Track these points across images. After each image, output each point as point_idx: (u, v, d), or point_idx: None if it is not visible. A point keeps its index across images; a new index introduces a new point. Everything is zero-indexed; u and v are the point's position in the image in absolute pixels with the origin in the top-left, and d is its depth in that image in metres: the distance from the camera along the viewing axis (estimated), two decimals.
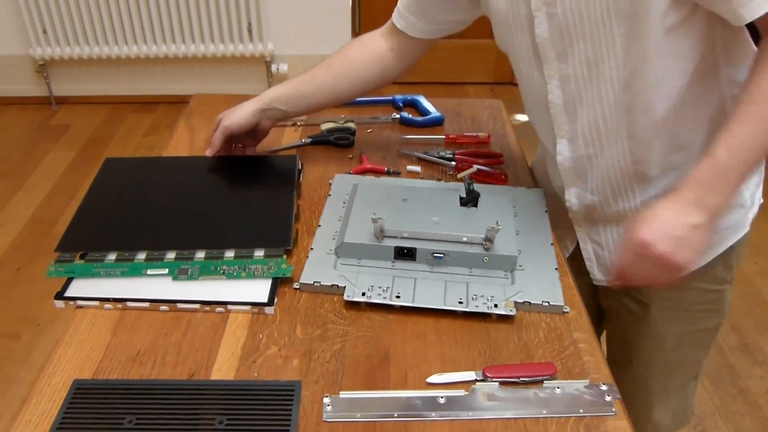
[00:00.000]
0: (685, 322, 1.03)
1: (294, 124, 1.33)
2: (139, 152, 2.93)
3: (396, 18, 1.10)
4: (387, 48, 1.12)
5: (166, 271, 0.92)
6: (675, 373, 1.08)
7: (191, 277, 0.90)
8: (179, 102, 3.14)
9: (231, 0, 3.01)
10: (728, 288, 1.02)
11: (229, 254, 0.94)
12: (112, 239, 0.97)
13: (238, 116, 1.11)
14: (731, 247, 0.98)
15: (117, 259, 0.93)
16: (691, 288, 0.99)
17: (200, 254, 0.94)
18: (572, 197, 1.03)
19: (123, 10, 3.01)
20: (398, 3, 1.09)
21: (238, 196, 1.09)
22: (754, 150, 0.77)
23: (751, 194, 0.97)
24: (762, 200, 1.01)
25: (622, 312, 1.06)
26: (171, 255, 0.94)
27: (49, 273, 0.92)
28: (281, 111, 1.13)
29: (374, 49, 1.13)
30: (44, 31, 3.06)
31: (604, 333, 1.18)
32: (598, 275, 1.04)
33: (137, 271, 0.92)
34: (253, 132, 1.15)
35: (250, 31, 3.10)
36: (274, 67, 3.19)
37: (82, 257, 0.94)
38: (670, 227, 0.78)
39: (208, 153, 1.11)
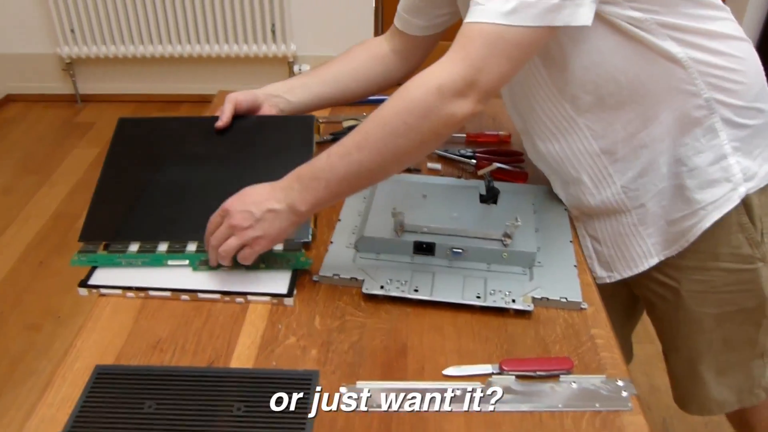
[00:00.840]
0: (719, 304, 1.00)
1: (315, 121, 1.34)
2: None
3: (396, 20, 1.15)
4: (389, 49, 1.16)
5: (187, 262, 0.93)
6: (725, 352, 1.05)
7: (210, 268, 0.92)
8: (202, 101, 3.17)
9: (255, 1, 3.03)
10: (762, 267, 0.98)
11: None
12: (133, 229, 0.97)
13: (245, 92, 1.11)
14: (751, 221, 0.95)
15: (139, 250, 0.94)
16: (718, 269, 0.97)
17: None
18: (558, 190, 1.05)
19: (149, 11, 3.05)
20: (398, 6, 1.13)
21: (257, 172, 1.00)
22: (349, 169, 0.81)
23: (746, 168, 0.93)
24: None
25: (656, 301, 1.05)
26: (192, 247, 0.95)
27: (72, 262, 0.93)
28: (285, 100, 1.13)
29: (377, 50, 1.16)
30: (72, 31, 3.11)
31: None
32: (599, 272, 1.04)
33: (158, 262, 0.93)
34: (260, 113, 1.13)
35: (273, 32, 3.12)
36: (296, 68, 3.21)
37: (105, 247, 0.95)
38: (250, 204, 0.84)
39: (220, 123, 1.08)
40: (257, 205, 0.84)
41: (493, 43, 0.76)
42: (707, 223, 0.94)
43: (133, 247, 0.95)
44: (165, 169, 1.05)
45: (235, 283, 0.90)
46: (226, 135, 1.08)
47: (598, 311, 0.88)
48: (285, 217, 0.84)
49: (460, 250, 0.93)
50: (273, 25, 3.10)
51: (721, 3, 0.89)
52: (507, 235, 0.92)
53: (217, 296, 0.88)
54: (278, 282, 0.90)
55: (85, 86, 3.34)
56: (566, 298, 0.88)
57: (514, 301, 0.86)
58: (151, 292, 0.89)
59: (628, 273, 1.01)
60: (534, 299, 0.87)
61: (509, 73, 0.79)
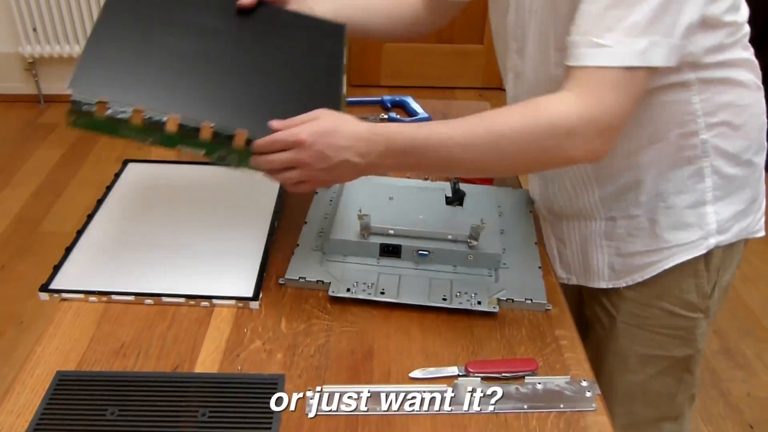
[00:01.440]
0: (649, 344, 0.99)
1: None
2: (128, 151, 2.91)
3: None
4: (420, 2, 1.09)
5: (203, 152, 0.81)
6: (641, 403, 1.03)
7: (229, 164, 0.82)
8: None
9: None
10: (702, 319, 0.96)
11: None
12: (136, 88, 0.80)
13: None
14: (707, 272, 0.93)
15: (145, 122, 0.78)
16: (658, 308, 0.96)
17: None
18: (534, 187, 1.05)
19: None
20: None
21: (278, 62, 0.92)
22: (446, 161, 0.78)
23: (721, 221, 0.91)
24: (754, 233, 0.96)
25: (595, 324, 1.05)
26: (205, 133, 0.79)
27: (69, 124, 0.79)
28: (309, 8, 1.00)
29: None
30: (34, 29, 3.04)
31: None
32: (560, 273, 1.04)
33: (169, 143, 0.79)
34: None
35: None
36: None
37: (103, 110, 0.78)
38: (329, 147, 0.77)
39: (244, 1, 0.93)
40: (336, 151, 0.77)
41: (625, 87, 0.74)
42: (667, 264, 0.93)
43: (138, 115, 0.77)
44: (174, 32, 0.88)
45: (201, 287, 0.89)
46: (247, 18, 0.93)
47: (563, 312, 0.89)
48: (359, 171, 0.79)
49: (426, 252, 0.93)
50: None
51: (747, 43, 0.86)
52: (473, 237, 0.93)
53: (181, 300, 0.87)
54: (244, 285, 0.90)
55: (49, 86, 3.28)
56: (531, 300, 0.88)
57: (479, 302, 0.87)
58: (114, 297, 0.87)
59: (582, 282, 1.02)
60: (499, 301, 0.88)
61: (633, 113, 0.77)
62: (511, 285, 0.91)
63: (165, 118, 0.79)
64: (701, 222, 0.91)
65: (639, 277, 0.95)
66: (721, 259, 0.93)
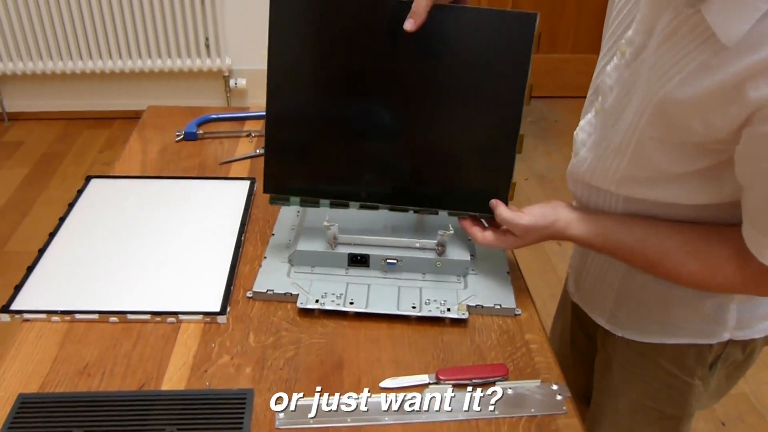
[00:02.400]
0: (642, 393, 0.95)
1: (248, 135, 1.33)
2: (94, 168, 2.87)
3: None
4: None
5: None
6: None
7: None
8: (136, 117, 3.08)
9: (188, 15, 2.99)
10: (698, 385, 0.92)
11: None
12: (317, 183, 0.93)
13: None
14: (709, 347, 0.89)
15: (331, 204, 0.93)
16: (656, 363, 0.92)
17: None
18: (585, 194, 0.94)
19: (78, 25, 2.97)
20: None
21: (451, 95, 0.87)
22: (616, 252, 0.83)
23: (743, 319, 0.87)
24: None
25: (599, 350, 1.02)
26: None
27: (270, 201, 0.95)
28: None
29: None
30: None
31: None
32: (570, 286, 1.03)
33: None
34: (455, 2, 0.87)
35: (207, 46, 3.08)
36: (232, 82, 3.17)
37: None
38: (537, 238, 0.86)
39: (410, 26, 0.82)
40: (540, 239, 0.86)
41: None
42: (669, 341, 0.90)
43: (325, 203, 0.93)
44: (340, 76, 0.88)
45: (166, 303, 0.88)
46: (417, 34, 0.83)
47: (532, 316, 0.89)
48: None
49: (394, 261, 0.93)
50: (207, 39, 3.06)
51: None
52: (440, 245, 0.93)
53: (147, 317, 0.86)
54: (211, 300, 0.88)
55: (13, 104, 3.22)
56: (500, 305, 0.89)
57: (449, 310, 0.87)
58: (78, 315, 0.86)
59: (584, 307, 1.00)
60: (469, 307, 0.88)
61: None
62: (480, 291, 0.91)
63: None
64: (721, 317, 0.86)
65: (637, 338, 0.92)
66: (733, 349, 0.90)
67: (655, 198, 0.80)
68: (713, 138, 0.69)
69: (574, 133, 0.89)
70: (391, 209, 0.93)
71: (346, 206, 0.93)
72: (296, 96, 0.90)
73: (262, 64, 0.86)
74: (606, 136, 0.81)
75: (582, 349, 1.09)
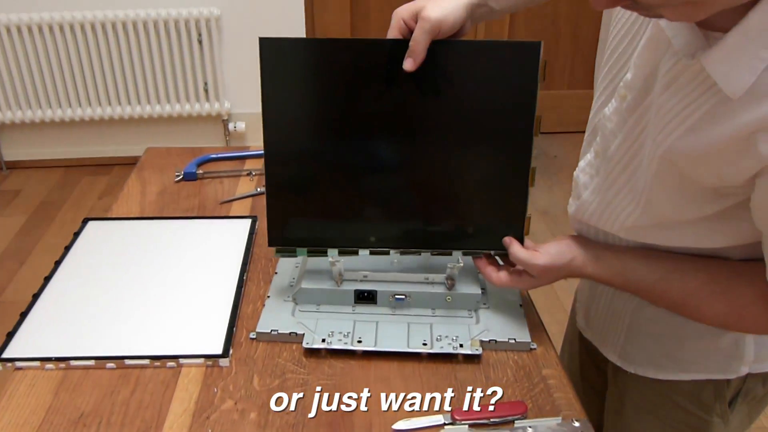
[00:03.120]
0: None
1: (249, 174, 1.31)
2: (93, 214, 2.83)
3: None
4: None
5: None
6: None
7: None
8: (135, 163, 3.08)
9: (186, 59, 3.00)
10: (718, 423, 0.87)
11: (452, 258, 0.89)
12: (323, 233, 0.89)
13: (449, 9, 0.80)
14: (727, 383, 0.85)
15: (341, 252, 0.90)
16: (671, 400, 0.88)
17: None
18: (569, 207, 0.91)
19: (77, 72, 2.98)
20: None
21: (464, 124, 0.84)
22: (637, 291, 0.81)
23: (758, 352, 0.82)
24: None
25: (612, 387, 0.98)
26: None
27: (276, 254, 0.92)
28: (489, 9, 0.87)
29: None
30: None
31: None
32: (580, 321, 0.99)
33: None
34: (455, 35, 0.84)
35: (206, 91, 3.09)
36: (231, 126, 3.17)
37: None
38: (556, 277, 0.83)
39: (410, 66, 0.79)
40: (553, 279, 0.84)
41: None
42: (685, 376, 0.85)
43: (333, 252, 0.90)
44: (338, 121, 0.86)
45: (166, 346, 0.84)
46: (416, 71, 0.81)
47: (547, 350, 0.85)
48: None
49: (403, 297, 0.89)
50: (206, 83, 3.07)
51: None
52: (450, 278, 0.89)
53: (146, 362, 0.82)
54: (212, 342, 0.85)
55: (11, 152, 3.21)
56: (515, 339, 0.85)
57: (461, 345, 0.83)
58: (73, 362, 0.82)
59: (595, 342, 0.96)
60: (482, 342, 0.84)
61: None
62: (493, 325, 0.87)
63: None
64: (737, 349, 0.82)
65: (651, 374, 0.88)
66: (754, 383, 0.85)
67: (669, 244, 0.77)
68: (726, 185, 0.66)
69: (575, 174, 0.86)
70: (403, 253, 0.90)
71: (356, 253, 0.90)
72: (297, 143, 0.87)
73: (261, 107, 0.84)
74: (613, 183, 0.78)
75: (593, 384, 1.05)
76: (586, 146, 0.85)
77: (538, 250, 0.83)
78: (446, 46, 0.81)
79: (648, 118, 0.71)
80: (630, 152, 0.75)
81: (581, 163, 0.85)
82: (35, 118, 3.05)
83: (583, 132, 0.87)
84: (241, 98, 3.12)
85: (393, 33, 0.82)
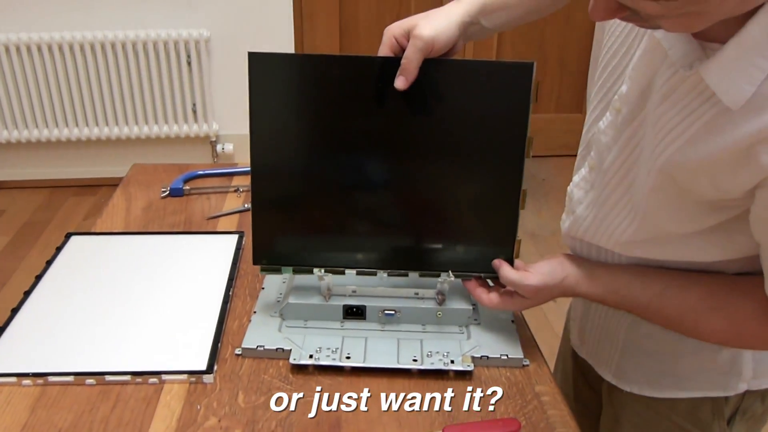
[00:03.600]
0: None
1: (236, 191, 1.29)
2: None
3: None
4: None
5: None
6: None
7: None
8: None
9: (175, 81, 3.00)
10: None
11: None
12: (309, 249, 0.88)
13: (442, 27, 0.79)
14: (725, 400, 0.83)
15: (326, 272, 0.87)
16: (668, 419, 0.85)
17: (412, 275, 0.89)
18: (562, 224, 0.90)
19: (64, 92, 2.96)
20: None
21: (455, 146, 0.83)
22: (631, 308, 0.79)
23: (756, 368, 0.81)
24: None
25: (606, 407, 0.96)
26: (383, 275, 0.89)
27: (261, 271, 0.90)
28: (481, 27, 0.86)
29: None
30: None
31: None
32: (574, 339, 0.97)
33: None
34: (447, 53, 0.83)
35: (194, 112, 3.08)
36: (219, 147, 3.16)
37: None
38: (549, 297, 0.81)
39: (401, 84, 0.78)
40: (547, 298, 0.81)
41: None
42: (684, 394, 0.83)
43: (318, 271, 0.87)
44: (327, 138, 0.85)
45: (148, 362, 0.81)
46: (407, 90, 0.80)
47: (540, 366, 0.83)
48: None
49: (392, 312, 0.87)
50: (194, 105, 3.06)
51: None
52: (440, 293, 0.88)
53: (127, 378, 0.79)
54: (196, 358, 0.82)
55: None
56: (507, 355, 0.83)
57: (453, 361, 0.81)
58: (51, 378, 0.79)
59: (590, 361, 0.93)
60: (474, 358, 0.82)
61: None
62: (485, 341, 0.85)
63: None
64: (734, 366, 0.80)
65: (647, 392, 0.86)
66: (752, 401, 0.83)
67: (665, 258, 0.76)
68: (725, 197, 0.66)
69: (568, 189, 0.85)
70: (390, 275, 0.88)
71: (342, 273, 0.88)
72: (284, 159, 0.85)
73: (249, 122, 0.82)
74: (609, 197, 0.77)
75: (587, 404, 1.03)
76: (581, 161, 0.84)
77: (529, 270, 0.81)
78: (438, 64, 0.80)
79: (644, 131, 0.71)
80: (625, 165, 0.74)
81: (575, 178, 0.84)
82: (21, 137, 3.02)
83: (572, 155, 0.86)
84: (230, 120, 3.11)
85: (384, 50, 0.81)
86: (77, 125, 3.04)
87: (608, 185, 0.77)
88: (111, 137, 3.07)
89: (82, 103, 3.00)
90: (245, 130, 0.82)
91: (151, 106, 3.04)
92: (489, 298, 0.83)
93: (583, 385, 1.02)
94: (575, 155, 0.87)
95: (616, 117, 0.74)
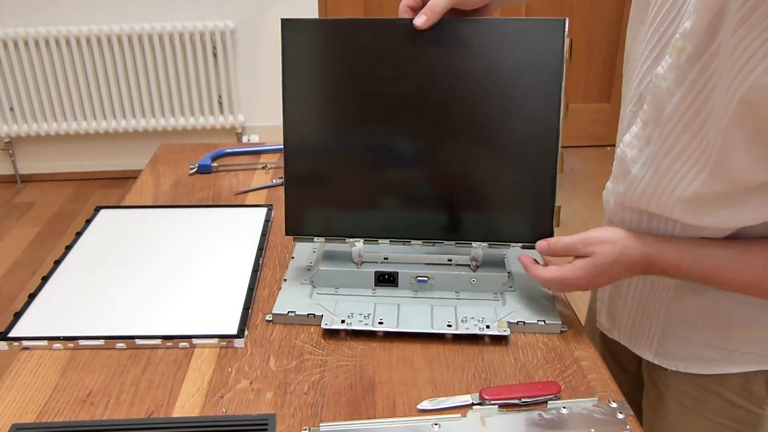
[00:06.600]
0: (704, 431, 0.84)
1: (264, 167, 1.28)
2: None
3: None
4: None
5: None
6: None
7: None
8: None
9: (201, 72, 3.01)
10: None
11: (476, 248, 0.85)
12: (342, 221, 0.86)
13: None
14: None
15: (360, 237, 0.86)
16: (718, 395, 0.81)
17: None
18: (609, 195, 0.85)
19: (92, 85, 2.99)
20: None
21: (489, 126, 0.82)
22: (710, 269, 0.73)
23: None
24: None
25: (649, 388, 0.92)
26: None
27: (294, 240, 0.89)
28: None
29: None
30: (11, 109, 3.01)
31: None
32: (603, 321, 0.93)
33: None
34: (479, 9, 0.82)
35: (220, 103, 3.08)
36: (245, 138, 3.17)
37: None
38: (599, 281, 0.77)
39: (420, 22, 0.77)
40: (605, 281, 0.78)
41: None
42: (733, 369, 0.79)
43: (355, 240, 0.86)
44: (359, 105, 0.83)
45: (179, 327, 0.80)
46: (436, 47, 0.79)
47: (579, 333, 0.81)
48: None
49: (425, 279, 0.85)
50: (220, 97, 3.07)
51: None
52: (474, 260, 0.86)
53: (158, 342, 0.79)
54: (227, 323, 0.81)
55: (26, 165, 3.22)
56: (544, 321, 0.80)
57: (488, 327, 0.79)
58: (81, 342, 0.78)
59: (625, 343, 0.89)
60: (510, 324, 0.80)
61: None
62: (521, 307, 0.83)
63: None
64: None
65: (694, 369, 0.82)
66: None
67: (727, 225, 0.71)
68: None
69: (618, 152, 0.80)
70: (424, 244, 0.86)
71: (375, 242, 0.86)
72: (317, 128, 0.85)
73: (275, 119, 0.82)
74: (671, 147, 0.72)
75: (618, 386, 0.99)
76: (630, 118, 0.79)
77: (570, 263, 0.77)
78: (469, 24, 0.79)
79: (716, 66, 0.66)
80: (693, 108, 0.69)
81: (626, 138, 0.78)
82: (50, 131, 3.05)
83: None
84: (255, 111, 3.12)
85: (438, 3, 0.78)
86: (105, 118, 3.06)
87: (670, 135, 0.72)
88: (138, 129, 3.09)
89: (110, 95, 3.02)
90: (271, 121, 0.82)
91: (177, 97, 3.06)
92: (548, 271, 0.79)
93: (613, 369, 0.98)
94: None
95: (679, 57, 0.69)
